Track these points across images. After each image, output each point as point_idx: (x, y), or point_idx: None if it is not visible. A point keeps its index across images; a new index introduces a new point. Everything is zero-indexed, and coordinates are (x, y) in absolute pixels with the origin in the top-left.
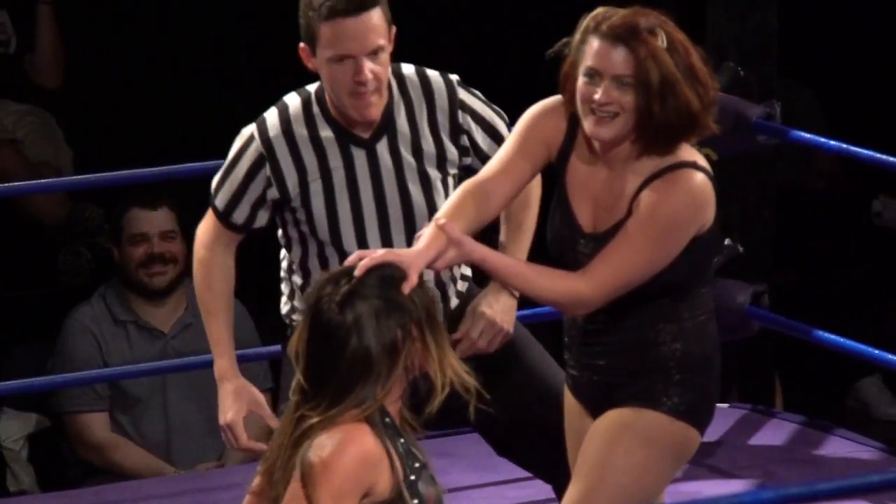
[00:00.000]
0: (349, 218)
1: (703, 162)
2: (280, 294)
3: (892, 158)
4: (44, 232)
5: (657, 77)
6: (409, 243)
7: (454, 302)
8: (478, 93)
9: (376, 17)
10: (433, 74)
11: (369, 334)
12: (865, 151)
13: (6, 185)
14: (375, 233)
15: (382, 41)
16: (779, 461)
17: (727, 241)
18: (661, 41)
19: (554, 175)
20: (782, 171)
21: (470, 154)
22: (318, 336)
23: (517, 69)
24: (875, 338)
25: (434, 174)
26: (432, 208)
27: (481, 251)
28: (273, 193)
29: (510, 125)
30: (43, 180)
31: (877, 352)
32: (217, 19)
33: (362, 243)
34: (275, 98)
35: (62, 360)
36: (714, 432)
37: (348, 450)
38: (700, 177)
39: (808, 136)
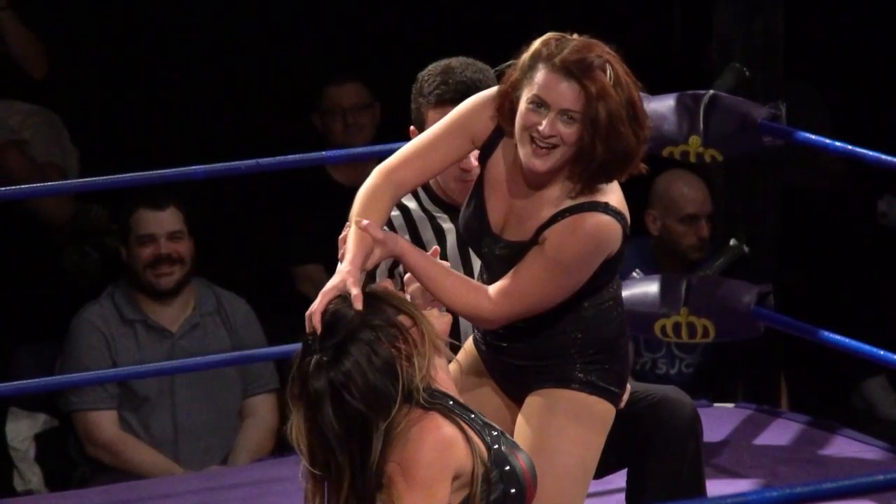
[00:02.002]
0: None
1: (614, 201)
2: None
3: None
4: (50, 232)
5: (605, 116)
6: None
7: None
8: None
9: None
10: None
11: (366, 375)
12: (871, 152)
13: (13, 188)
14: None
15: None
16: (784, 461)
17: (732, 242)
18: (610, 77)
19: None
20: (788, 171)
21: None
22: (319, 408)
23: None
24: (880, 338)
25: None
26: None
27: (402, 247)
28: None
29: None
30: (49, 183)
31: (882, 352)
32: (225, 22)
33: None
34: (278, 101)
35: (71, 359)
36: (719, 432)
37: (424, 440)
38: (606, 219)
39: (813, 137)
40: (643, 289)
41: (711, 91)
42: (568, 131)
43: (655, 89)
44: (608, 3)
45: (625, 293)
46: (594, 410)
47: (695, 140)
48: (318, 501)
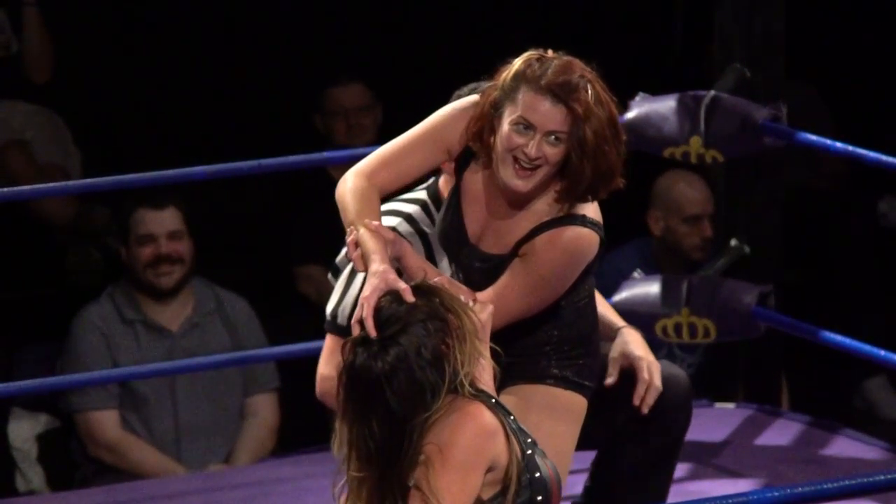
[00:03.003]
0: None
1: (591, 213)
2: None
3: None
4: (52, 232)
5: (591, 136)
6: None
7: None
8: None
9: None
10: None
11: (413, 367)
12: (871, 153)
13: (16, 188)
14: None
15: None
16: (785, 461)
17: (733, 242)
18: (592, 97)
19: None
20: (789, 172)
21: None
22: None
23: None
24: (880, 338)
25: None
26: None
27: (404, 248)
28: None
29: None
30: (51, 184)
31: (882, 352)
32: (227, 23)
33: None
34: (280, 102)
35: (71, 360)
36: (721, 432)
37: (467, 424)
38: (585, 232)
39: (814, 137)
40: (644, 289)
41: (712, 92)
42: (553, 151)
43: (656, 90)
44: (609, 4)
45: (625, 293)
46: (569, 405)
47: (696, 141)
48: (362, 493)
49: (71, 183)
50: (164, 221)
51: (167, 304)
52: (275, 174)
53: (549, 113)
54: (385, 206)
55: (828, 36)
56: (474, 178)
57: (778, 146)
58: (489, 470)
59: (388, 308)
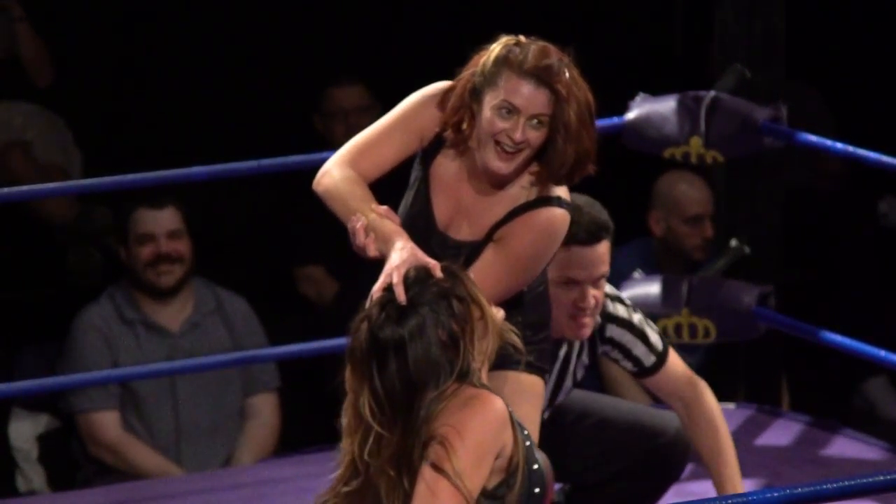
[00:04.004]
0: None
1: (564, 193)
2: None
3: None
4: (53, 233)
5: (574, 118)
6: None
7: None
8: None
9: (605, 246)
10: None
11: (430, 341)
12: (872, 154)
13: (16, 189)
14: None
15: (606, 268)
16: (785, 461)
17: (733, 243)
18: (571, 79)
19: (424, 161)
20: (789, 172)
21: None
22: (384, 357)
23: None
24: (880, 338)
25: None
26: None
27: (405, 235)
28: None
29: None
30: (52, 184)
31: (882, 352)
32: (227, 24)
33: None
34: (281, 100)
35: (71, 361)
36: None
37: (485, 409)
38: (561, 213)
39: (814, 138)
40: (644, 289)
41: (713, 92)
42: (536, 135)
43: (657, 90)
44: (610, 3)
45: (626, 294)
46: (533, 388)
47: (696, 141)
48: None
49: (71, 183)
50: (163, 221)
51: (167, 304)
52: (275, 174)
53: (533, 96)
54: None
55: (828, 36)
56: (443, 167)
57: (778, 146)
58: (497, 457)
59: (415, 280)
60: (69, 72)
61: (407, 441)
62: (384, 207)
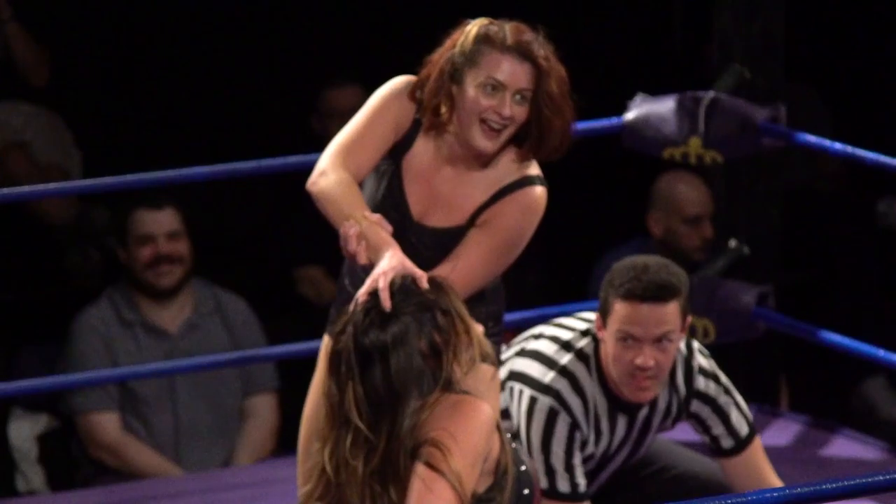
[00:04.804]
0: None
1: (539, 171)
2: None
3: None
4: (53, 233)
5: (556, 89)
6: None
7: None
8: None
9: (667, 308)
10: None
11: (414, 344)
12: (870, 154)
13: (16, 189)
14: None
15: (671, 329)
16: (784, 461)
17: (732, 243)
18: (549, 53)
19: (392, 155)
20: (788, 173)
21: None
22: (367, 362)
23: None
24: (880, 338)
25: (667, 424)
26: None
27: (393, 241)
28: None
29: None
30: (52, 185)
31: (882, 352)
32: (225, 25)
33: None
34: (279, 101)
35: (70, 362)
36: None
37: (472, 414)
38: (542, 190)
39: (813, 138)
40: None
41: (712, 92)
42: (521, 110)
43: (656, 90)
44: (609, 4)
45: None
46: (494, 379)
47: (695, 142)
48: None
49: (71, 183)
50: (162, 222)
51: (166, 305)
52: (274, 175)
53: (517, 71)
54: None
55: (827, 37)
56: (417, 158)
57: (777, 147)
58: (484, 461)
59: (400, 288)
60: (69, 72)
61: (392, 450)
62: (377, 216)
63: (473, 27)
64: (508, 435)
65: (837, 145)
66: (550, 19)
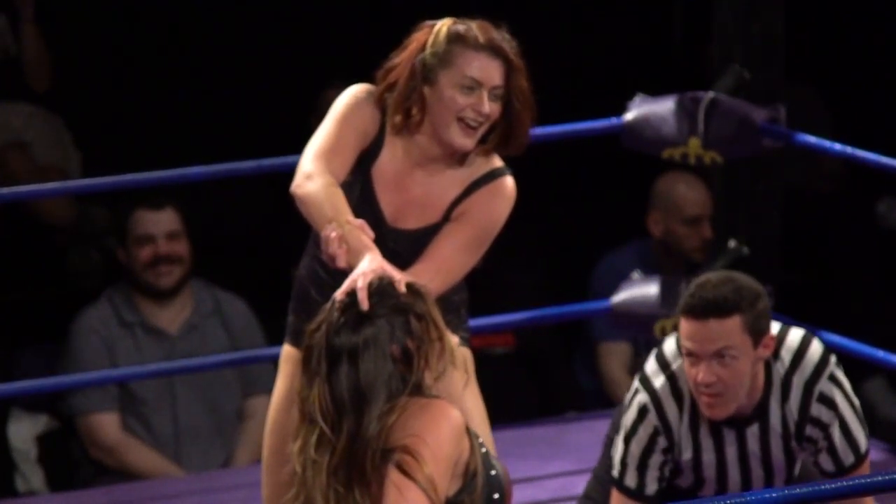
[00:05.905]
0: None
1: (502, 162)
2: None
3: None
4: (52, 234)
5: (525, 85)
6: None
7: None
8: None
9: (731, 324)
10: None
11: (385, 347)
12: (870, 154)
13: (15, 189)
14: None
15: (728, 346)
16: None
17: (732, 244)
18: (514, 48)
19: (360, 163)
20: (787, 173)
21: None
22: (336, 361)
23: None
24: (880, 338)
25: (794, 446)
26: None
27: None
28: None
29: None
30: (51, 185)
31: (882, 352)
32: (225, 26)
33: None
34: (279, 101)
35: (70, 363)
36: None
37: (442, 418)
38: (511, 180)
39: (813, 139)
40: (643, 290)
41: (711, 93)
42: (496, 107)
43: (655, 91)
44: (608, 4)
45: (624, 294)
46: (469, 361)
47: (695, 142)
48: (312, 453)
49: (71, 183)
50: (162, 222)
51: (166, 306)
52: (273, 175)
53: (491, 69)
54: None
55: (827, 37)
56: (386, 165)
57: (777, 147)
58: (454, 464)
59: (377, 290)
60: (69, 72)
61: (355, 451)
62: (360, 221)
63: (442, 27)
64: (479, 439)
65: (837, 146)
66: (550, 19)
